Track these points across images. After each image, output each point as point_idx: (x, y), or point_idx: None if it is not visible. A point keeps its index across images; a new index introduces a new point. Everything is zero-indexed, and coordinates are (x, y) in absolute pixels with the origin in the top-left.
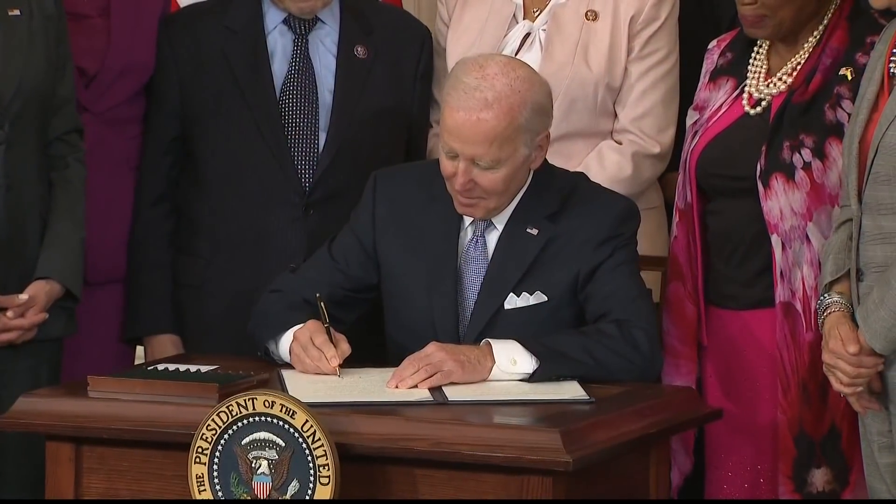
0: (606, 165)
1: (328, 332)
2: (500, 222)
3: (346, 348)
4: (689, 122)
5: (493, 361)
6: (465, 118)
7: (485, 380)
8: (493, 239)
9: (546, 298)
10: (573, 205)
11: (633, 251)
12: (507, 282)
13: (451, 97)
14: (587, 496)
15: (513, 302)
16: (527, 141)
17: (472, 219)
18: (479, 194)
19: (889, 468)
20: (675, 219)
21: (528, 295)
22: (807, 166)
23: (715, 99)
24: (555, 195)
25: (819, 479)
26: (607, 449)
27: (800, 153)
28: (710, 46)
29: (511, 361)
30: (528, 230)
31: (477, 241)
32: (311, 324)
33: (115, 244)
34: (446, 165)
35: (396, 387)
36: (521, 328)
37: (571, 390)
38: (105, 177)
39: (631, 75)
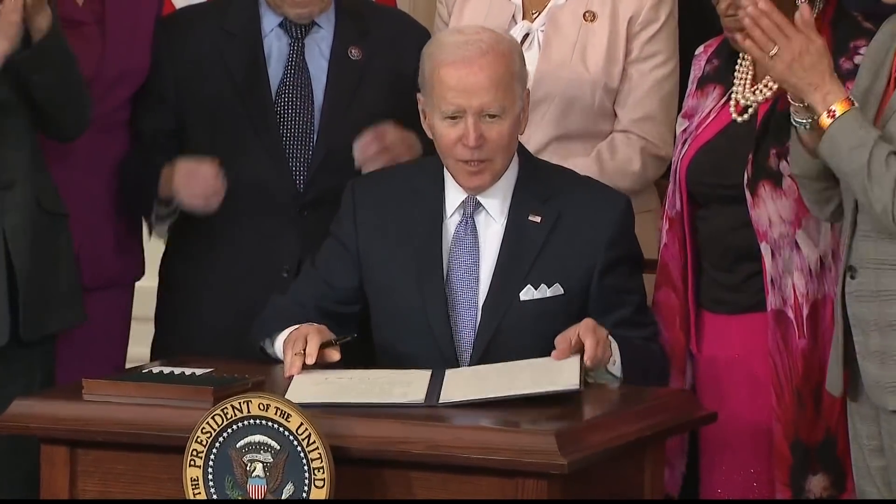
0: (618, 158)
1: (330, 343)
2: (493, 208)
3: (334, 356)
4: (678, 129)
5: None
6: (467, 69)
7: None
8: (483, 224)
9: (563, 291)
10: (568, 189)
11: (639, 249)
12: (520, 273)
13: (445, 54)
14: (582, 498)
15: (529, 293)
16: (520, 92)
17: (458, 202)
18: (487, 154)
19: (879, 471)
20: (665, 226)
21: (545, 287)
22: None
23: (703, 106)
24: (545, 179)
25: (816, 485)
26: (603, 451)
27: (786, 160)
28: (696, 52)
29: (612, 362)
30: (531, 218)
31: (467, 223)
32: (322, 327)
33: (109, 249)
34: (449, 133)
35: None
36: (535, 320)
37: (566, 378)
38: (98, 182)
39: (631, 77)
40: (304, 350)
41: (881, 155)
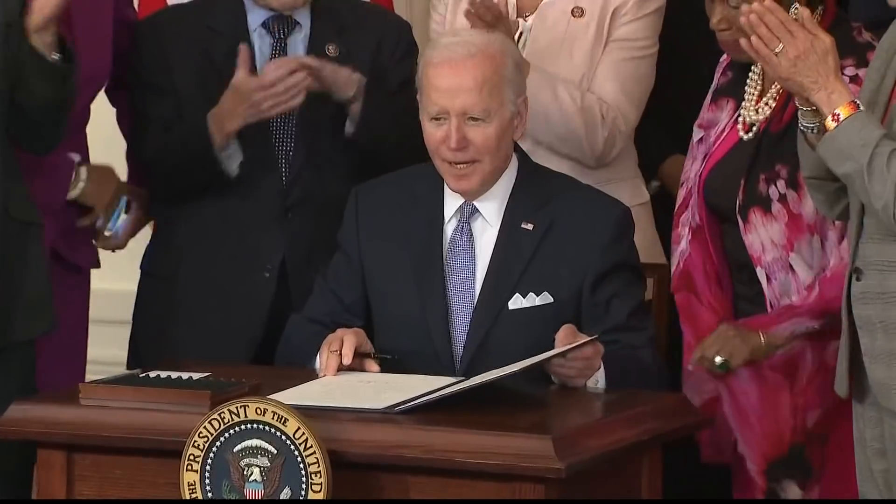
0: (586, 102)
1: (369, 354)
2: (489, 214)
3: (372, 368)
4: (694, 138)
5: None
6: (452, 70)
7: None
8: (479, 230)
9: (552, 300)
10: (565, 196)
11: (637, 258)
12: (509, 282)
13: (434, 55)
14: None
15: (518, 302)
16: (511, 97)
17: (455, 207)
18: (473, 155)
19: (882, 474)
20: (687, 236)
21: (534, 295)
22: (782, 198)
23: (718, 120)
24: (543, 187)
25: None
26: (600, 456)
27: (775, 185)
28: (721, 60)
29: (594, 382)
30: (523, 226)
31: (463, 229)
32: (359, 330)
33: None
34: (435, 134)
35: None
36: (525, 328)
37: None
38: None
39: (605, 55)
40: (341, 350)
41: (884, 153)
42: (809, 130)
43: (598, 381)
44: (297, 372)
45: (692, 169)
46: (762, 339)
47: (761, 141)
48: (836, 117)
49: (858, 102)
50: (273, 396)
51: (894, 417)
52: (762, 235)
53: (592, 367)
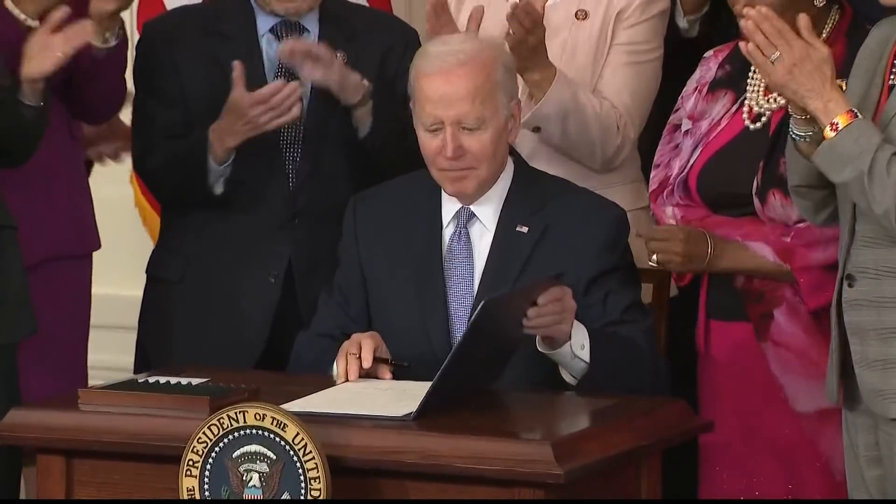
0: (604, 108)
1: (385, 360)
2: (486, 218)
3: (385, 375)
4: (682, 128)
5: (570, 337)
6: (444, 79)
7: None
8: (477, 234)
9: None
10: (561, 199)
11: (632, 260)
12: (505, 284)
13: (425, 65)
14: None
15: None
16: (504, 102)
17: (453, 213)
18: (470, 163)
19: (875, 481)
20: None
21: None
22: None
23: (712, 112)
24: (540, 190)
25: None
26: (599, 461)
27: None
28: (706, 55)
29: (580, 346)
30: (518, 229)
31: (460, 234)
32: (374, 333)
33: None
34: (430, 144)
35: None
36: None
37: None
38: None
39: (609, 61)
40: (360, 355)
41: (883, 158)
42: (802, 139)
43: (583, 345)
44: (296, 377)
45: (677, 160)
46: (705, 261)
47: (780, 128)
48: (834, 126)
49: (856, 111)
50: (296, 402)
51: (889, 424)
52: (780, 216)
53: (569, 308)
